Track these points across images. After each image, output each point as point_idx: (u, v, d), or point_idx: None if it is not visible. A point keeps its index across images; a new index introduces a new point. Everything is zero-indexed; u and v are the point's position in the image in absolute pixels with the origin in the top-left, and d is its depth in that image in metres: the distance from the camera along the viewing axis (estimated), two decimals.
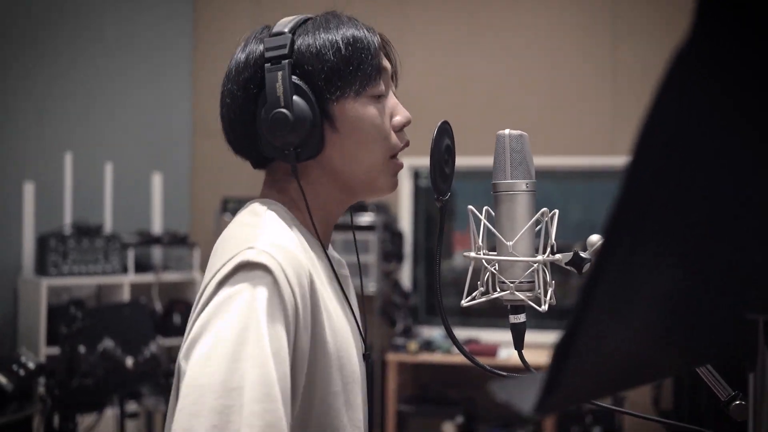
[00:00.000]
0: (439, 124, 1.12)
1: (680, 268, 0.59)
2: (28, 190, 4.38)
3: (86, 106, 4.84)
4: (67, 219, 4.49)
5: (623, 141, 4.80)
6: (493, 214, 1.11)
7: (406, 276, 5.07)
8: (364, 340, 1.18)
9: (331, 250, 1.27)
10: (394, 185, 1.19)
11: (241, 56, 1.14)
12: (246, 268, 0.98)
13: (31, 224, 4.37)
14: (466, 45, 5.12)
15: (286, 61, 1.09)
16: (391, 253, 4.78)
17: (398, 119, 1.16)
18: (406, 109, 1.19)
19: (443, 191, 1.13)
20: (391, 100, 1.18)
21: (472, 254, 1.10)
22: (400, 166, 1.19)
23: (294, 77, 1.09)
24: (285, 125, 1.07)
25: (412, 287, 5.10)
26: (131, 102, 5.11)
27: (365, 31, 1.14)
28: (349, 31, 1.12)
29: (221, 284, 0.98)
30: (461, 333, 4.83)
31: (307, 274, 1.02)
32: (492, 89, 4.98)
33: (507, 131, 1.10)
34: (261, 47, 1.12)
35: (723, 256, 0.60)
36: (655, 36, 4.81)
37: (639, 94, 4.78)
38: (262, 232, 1.04)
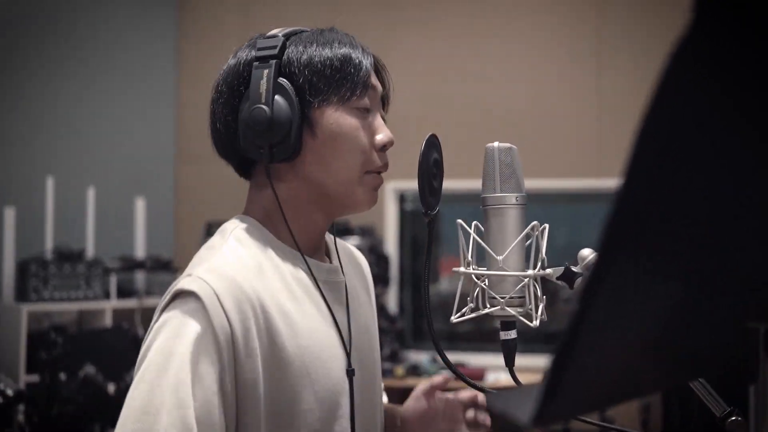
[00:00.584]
0: (427, 137, 1.11)
1: (679, 278, 0.57)
2: (9, 215, 4.32)
3: (68, 130, 4.81)
4: (49, 244, 4.43)
5: (609, 163, 4.82)
6: (482, 229, 1.10)
7: (392, 300, 5.04)
8: (348, 355, 1.15)
9: (338, 253, 1.26)
10: (372, 200, 1.17)
11: (231, 61, 1.17)
12: (180, 296, 1.01)
13: (12, 249, 4.31)
14: (452, 68, 5.13)
15: (274, 61, 1.10)
16: (377, 276, 4.75)
17: (380, 137, 1.15)
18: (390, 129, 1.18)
19: (432, 206, 1.11)
20: (377, 120, 1.17)
21: (462, 269, 1.08)
22: (379, 182, 1.18)
23: (280, 78, 1.10)
24: (262, 122, 1.08)
25: (398, 311, 5.07)
26: (114, 126, 5.08)
27: (360, 50, 1.15)
28: (343, 47, 1.13)
29: (161, 312, 1.03)
30: (448, 357, 4.79)
31: (253, 299, 1.03)
32: (477, 111, 4.99)
33: (496, 144, 1.08)
34: (253, 52, 1.14)
35: (723, 264, 0.58)
36: (639, 61, 4.84)
37: (624, 117, 4.80)
38: (209, 257, 1.07)
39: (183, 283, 1.02)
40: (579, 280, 1.05)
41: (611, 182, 4.85)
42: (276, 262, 1.11)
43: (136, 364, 1.01)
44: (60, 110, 4.78)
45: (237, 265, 1.06)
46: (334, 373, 1.10)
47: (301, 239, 1.15)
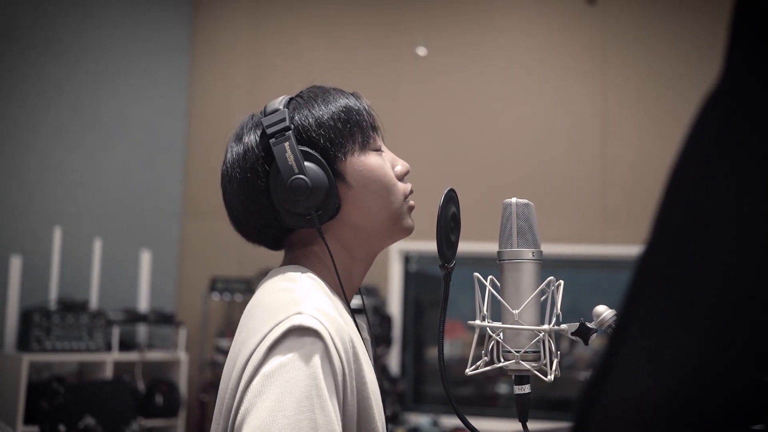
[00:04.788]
0: (446, 191, 1.14)
1: (698, 331, 0.58)
2: (15, 263, 4.33)
3: (77, 181, 4.85)
4: (53, 294, 4.43)
5: (612, 231, 4.84)
6: (497, 283, 1.11)
7: (394, 361, 5.01)
8: (384, 402, 1.18)
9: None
10: (412, 226, 1.21)
11: (238, 148, 1.16)
12: (296, 333, 0.98)
13: (16, 298, 4.31)
14: (455, 134, 5.19)
15: (290, 131, 1.12)
16: (380, 336, 4.73)
17: (399, 168, 1.21)
18: None
19: (449, 258, 1.13)
20: (388, 154, 1.22)
21: (477, 322, 1.09)
22: (413, 206, 1.22)
23: (301, 146, 1.12)
24: (304, 190, 1.09)
25: (400, 373, 5.03)
26: (122, 179, 5.12)
27: (353, 97, 1.20)
28: (340, 99, 1.18)
29: (271, 350, 0.97)
30: (448, 421, 4.75)
31: (349, 338, 1.02)
32: (480, 177, 5.03)
33: (514, 199, 1.11)
34: (259, 131, 1.15)
35: (742, 318, 0.59)
36: (644, 129, 4.91)
37: (628, 185, 4.85)
38: (304, 296, 1.04)
39: (298, 320, 0.98)
40: (593, 336, 1.06)
41: (613, 249, 4.87)
42: (340, 310, 1.10)
43: (243, 409, 0.94)
44: (69, 161, 4.83)
45: (328, 304, 1.05)
46: (381, 423, 1.11)
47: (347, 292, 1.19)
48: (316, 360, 0.96)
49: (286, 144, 1.11)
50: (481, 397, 5.01)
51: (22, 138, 4.59)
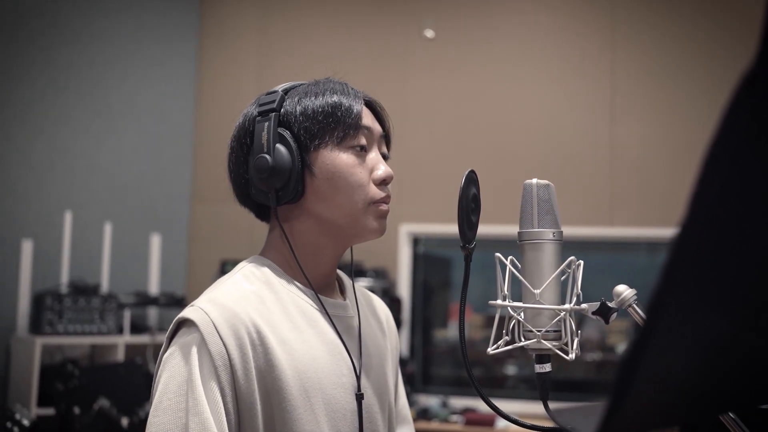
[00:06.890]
0: (467, 173, 1.15)
1: (727, 314, 0.58)
2: (27, 247, 4.36)
3: (88, 166, 4.86)
4: (64, 278, 4.46)
5: (620, 213, 4.84)
6: (517, 263, 1.12)
7: (403, 343, 5.03)
8: (358, 379, 1.23)
9: (350, 293, 1.35)
10: (378, 228, 1.25)
11: (240, 119, 1.27)
12: (184, 324, 1.13)
13: (28, 282, 4.34)
14: (464, 119, 5.19)
15: (274, 113, 1.21)
16: None
17: (377, 174, 1.24)
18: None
19: (469, 239, 1.14)
20: (375, 157, 1.26)
21: (499, 302, 1.10)
22: (384, 211, 1.25)
23: (280, 128, 1.21)
24: (265, 169, 1.19)
25: (409, 355, 5.05)
26: (132, 163, 5.13)
27: (351, 96, 1.24)
28: (334, 95, 1.23)
29: (169, 340, 1.14)
30: (458, 402, 4.78)
31: (249, 325, 1.12)
32: (489, 161, 5.03)
33: (534, 180, 1.11)
34: (256, 109, 1.25)
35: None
36: (652, 113, 4.90)
37: (636, 168, 4.84)
38: (212, 289, 1.18)
39: (184, 312, 1.13)
40: (614, 316, 1.07)
41: (621, 231, 4.88)
42: (280, 296, 1.20)
43: (152, 391, 1.12)
44: (79, 147, 4.84)
45: (235, 295, 1.15)
46: (338, 399, 1.17)
47: (312, 275, 1.24)
48: (194, 350, 1.09)
49: (266, 124, 1.20)
50: (490, 379, 5.04)
51: (33, 123, 4.60)
